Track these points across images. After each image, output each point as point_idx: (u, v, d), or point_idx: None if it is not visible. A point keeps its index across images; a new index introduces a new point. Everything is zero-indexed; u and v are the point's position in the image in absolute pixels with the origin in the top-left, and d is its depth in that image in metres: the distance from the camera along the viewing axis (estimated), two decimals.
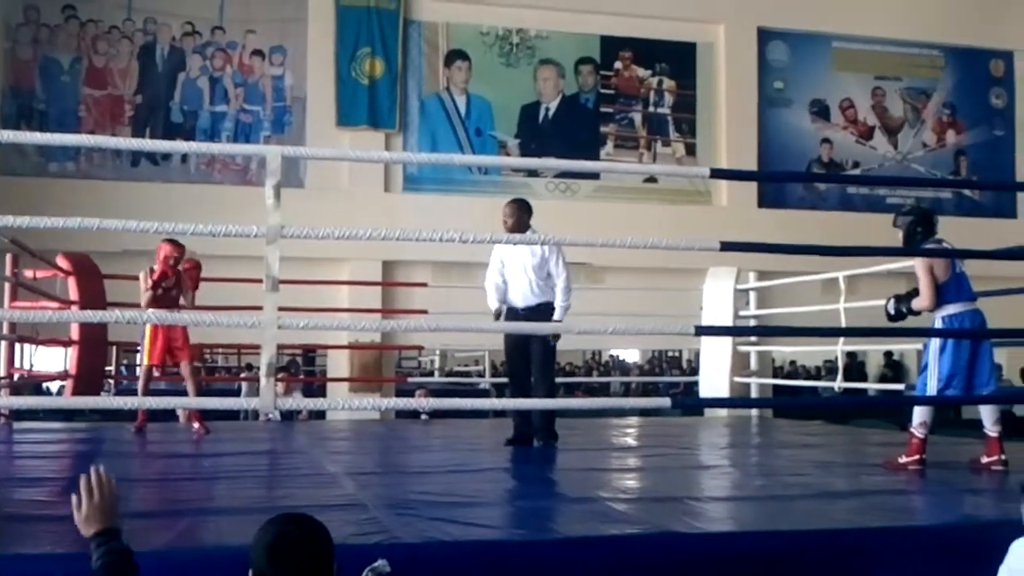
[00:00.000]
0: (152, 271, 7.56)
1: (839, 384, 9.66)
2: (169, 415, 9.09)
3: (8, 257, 8.39)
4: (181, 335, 7.69)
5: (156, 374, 8.11)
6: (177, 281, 7.63)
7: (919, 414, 5.81)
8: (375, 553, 3.10)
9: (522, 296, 6.95)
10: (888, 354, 16.88)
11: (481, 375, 19.48)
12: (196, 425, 7.64)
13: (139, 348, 8.06)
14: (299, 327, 4.30)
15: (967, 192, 15.91)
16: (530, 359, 6.98)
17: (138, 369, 15.58)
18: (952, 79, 16.14)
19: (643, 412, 11.49)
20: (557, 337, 6.89)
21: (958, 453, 7.12)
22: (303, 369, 17.28)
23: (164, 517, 3.89)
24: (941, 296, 5.67)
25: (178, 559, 3.18)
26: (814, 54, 15.61)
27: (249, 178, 13.32)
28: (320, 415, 11.40)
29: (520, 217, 6.87)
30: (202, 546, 3.39)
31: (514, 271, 6.98)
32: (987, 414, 5.74)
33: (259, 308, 4.10)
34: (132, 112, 13.57)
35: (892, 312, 5.94)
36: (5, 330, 8.36)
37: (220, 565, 2.58)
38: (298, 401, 5.40)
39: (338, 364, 13.45)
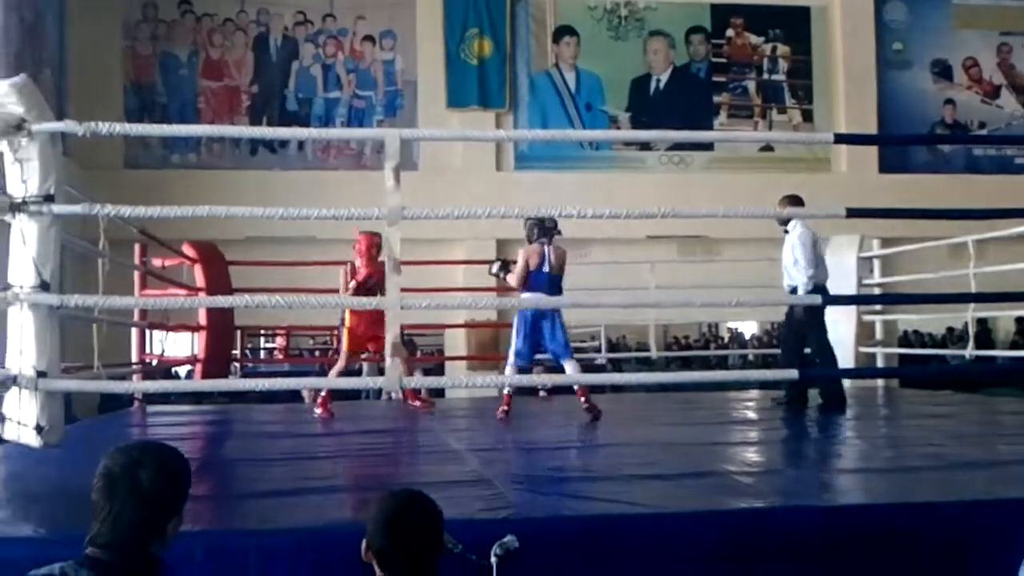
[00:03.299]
0: (355, 268, 7.69)
1: (970, 352, 9.35)
2: (295, 396, 9.29)
3: (137, 247, 8.66)
4: (382, 325, 7.73)
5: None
6: (378, 277, 7.60)
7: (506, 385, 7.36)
8: (503, 528, 3.13)
9: (787, 277, 7.77)
10: (1020, 320, 16.26)
11: (597, 351, 19.41)
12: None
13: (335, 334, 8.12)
14: (422, 307, 4.34)
15: None
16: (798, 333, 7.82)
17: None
18: None
19: (763, 385, 11.29)
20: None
21: None
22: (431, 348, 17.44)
23: (294, 495, 3.97)
24: (527, 280, 6.92)
25: (311, 535, 3.25)
26: (934, 12, 15.09)
27: (363, 162, 13.53)
28: (439, 393, 11.52)
29: None
30: (335, 522, 3.46)
31: (785, 257, 7.75)
32: (572, 370, 7.23)
33: None
34: (249, 102, 13.90)
35: (495, 271, 7.28)
36: (136, 317, 8.64)
37: (351, 541, 2.63)
38: (420, 380, 5.47)
39: (455, 343, 13.58)
